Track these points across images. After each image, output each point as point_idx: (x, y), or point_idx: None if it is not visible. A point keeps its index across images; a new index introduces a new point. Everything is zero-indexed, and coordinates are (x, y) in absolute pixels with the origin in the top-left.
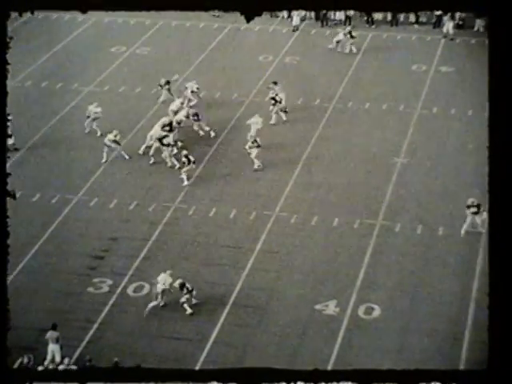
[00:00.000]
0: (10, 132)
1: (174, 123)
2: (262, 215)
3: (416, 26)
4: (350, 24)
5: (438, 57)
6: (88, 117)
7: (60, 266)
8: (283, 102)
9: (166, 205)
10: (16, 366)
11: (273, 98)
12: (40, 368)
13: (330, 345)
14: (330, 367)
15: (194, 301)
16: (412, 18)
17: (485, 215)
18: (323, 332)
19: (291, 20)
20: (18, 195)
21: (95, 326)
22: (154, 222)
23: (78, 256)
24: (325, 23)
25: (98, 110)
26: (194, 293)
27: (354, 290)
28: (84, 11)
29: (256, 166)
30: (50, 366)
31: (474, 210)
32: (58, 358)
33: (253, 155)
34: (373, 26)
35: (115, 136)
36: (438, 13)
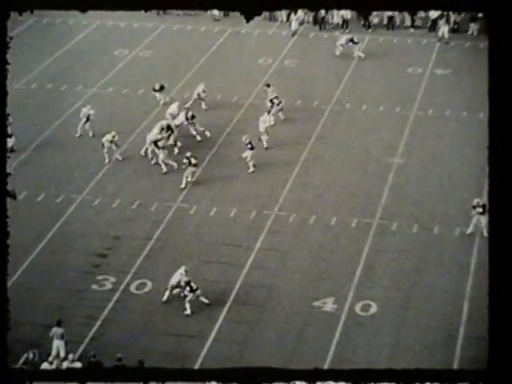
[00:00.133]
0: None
1: (173, 125)
2: (261, 214)
3: (412, 29)
4: (347, 27)
5: (433, 60)
6: (82, 119)
7: (64, 263)
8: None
9: (168, 204)
10: (21, 361)
11: (271, 101)
12: (45, 363)
13: (328, 341)
14: (328, 363)
15: (204, 300)
16: (408, 21)
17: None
18: (321, 328)
19: (290, 24)
20: (23, 195)
21: (98, 322)
22: (156, 221)
23: (81, 254)
24: (323, 27)
25: (92, 111)
26: (199, 292)
27: (352, 288)
28: (84, 11)
29: (252, 169)
30: (55, 362)
31: (479, 210)
32: (62, 354)
33: (248, 158)
34: (369, 30)
35: (113, 137)
36: (434, 17)
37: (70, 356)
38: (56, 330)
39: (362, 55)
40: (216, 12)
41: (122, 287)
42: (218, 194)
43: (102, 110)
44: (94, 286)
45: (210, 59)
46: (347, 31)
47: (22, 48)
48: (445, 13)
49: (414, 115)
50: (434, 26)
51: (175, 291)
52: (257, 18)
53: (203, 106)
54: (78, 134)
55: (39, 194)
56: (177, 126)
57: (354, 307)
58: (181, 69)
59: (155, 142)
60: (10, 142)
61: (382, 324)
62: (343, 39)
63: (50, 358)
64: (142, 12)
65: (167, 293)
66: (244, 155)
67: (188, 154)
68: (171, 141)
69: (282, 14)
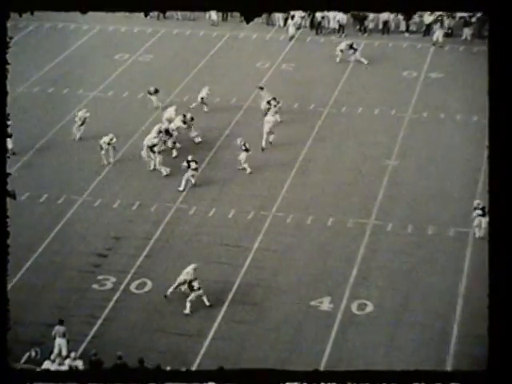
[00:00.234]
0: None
1: (171, 129)
2: (259, 215)
3: (406, 34)
4: (343, 32)
5: (428, 63)
6: (76, 122)
7: (66, 263)
8: (263, 104)
9: (168, 205)
10: (24, 359)
11: (268, 102)
12: (47, 361)
13: (325, 339)
14: (324, 361)
15: (205, 300)
16: (402, 26)
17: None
18: (318, 327)
19: (287, 29)
20: (25, 196)
21: (99, 321)
22: (156, 222)
23: (82, 254)
24: (319, 31)
25: (87, 115)
26: (201, 291)
27: (348, 287)
28: (84, 12)
29: (248, 170)
30: (57, 360)
31: (479, 212)
32: (64, 352)
33: (242, 160)
34: (365, 35)
35: (111, 140)
36: (428, 22)
37: (72, 354)
38: (58, 329)
39: (365, 61)
40: (214, 17)
41: (122, 287)
42: (216, 195)
43: (102, 113)
44: (95, 286)
45: (208, 63)
46: (343, 36)
47: (24, 52)
48: (439, 18)
49: (408, 118)
50: (428, 30)
51: (182, 288)
52: (255, 23)
53: (205, 108)
54: (76, 137)
55: (41, 196)
56: (173, 130)
57: (350, 306)
58: (180, 72)
59: (151, 147)
60: (9, 144)
61: (377, 323)
62: (343, 45)
63: (52, 356)
64: (142, 17)
65: (171, 288)
66: (240, 157)
67: (189, 158)
68: (169, 144)
69: (279, 19)
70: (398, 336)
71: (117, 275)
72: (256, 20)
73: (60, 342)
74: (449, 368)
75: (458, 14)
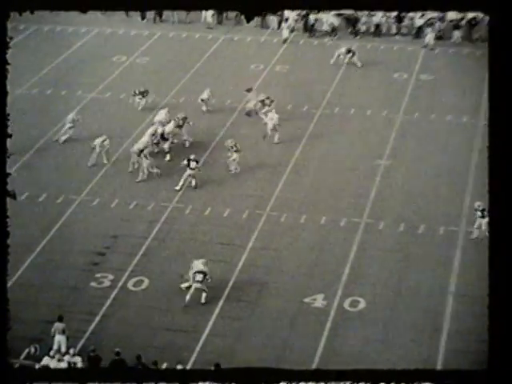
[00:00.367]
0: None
1: (166, 133)
2: (253, 214)
3: (398, 37)
4: (335, 35)
5: (419, 65)
6: (66, 124)
7: (64, 262)
8: (250, 106)
9: (164, 205)
10: (23, 356)
11: (262, 101)
12: (46, 357)
13: (318, 336)
14: (317, 357)
15: (202, 297)
16: (394, 29)
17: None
18: (311, 324)
19: (281, 31)
20: (24, 196)
21: (97, 318)
22: (153, 221)
23: (81, 253)
24: (312, 34)
25: (78, 117)
26: (201, 285)
27: (341, 284)
28: (84, 11)
29: (233, 170)
30: (56, 356)
31: (479, 214)
32: (63, 349)
33: (231, 159)
34: (357, 37)
35: (103, 141)
36: (418, 24)
37: (71, 351)
38: (58, 325)
39: (359, 64)
40: (210, 20)
41: (119, 284)
42: (212, 195)
43: (100, 114)
44: (93, 284)
45: (204, 65)
46: (335, 38)
47: (23, 54)
48: (430, 21)
49: (400, 119)
50: (418, 33)
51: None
52: (249, 26)
53: (203, 108)
54: (61, 139)
55: (40, 195)
56: (168, 134)
57: (342, 303)
58: (176, 74)
59: (141, 150)
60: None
61: (369, 319)
62: (342, 49)
63: (52, 353)
64: (139, 20)
65: (186, 283)
66: (231, 158)
67: (191, 157)
68: (166, 147)
69: (273, 22)
70: (389, 332)
71: (114, 273)
72: (250, 23)
73: (59, 339)
74: (439, 363)
75: (448, 17)
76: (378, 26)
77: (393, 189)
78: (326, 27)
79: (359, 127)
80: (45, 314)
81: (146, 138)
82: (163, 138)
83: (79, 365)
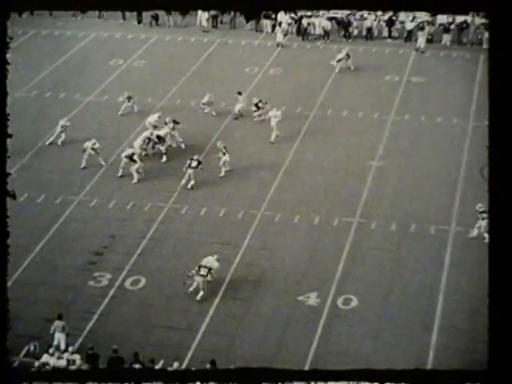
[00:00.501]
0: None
1: (163, 135)
2: (248, 214)
3: (389, 40)
4: (328, 38)
5: (409, 68)
6: (58, 128)
7: (63, 261)
8: (236, 110)
9: (161, 205)
10: (23, 353)
11: (256, 105)
12: (46, 355)
13: (312, 333)
14: (311, 354)
15: (200, 293)
16: (385, 32)
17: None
18: (305, 321)
19: (275, 35)
20: (24, 197)
21: (95, 316)
22: (150, 221)
23: (79, 252)
24: (305, 38)
25: (68, 123)
26: (201, 279)
27: (334, 283)
28: (84, 11)
29: (223, 173)
30: (56, 354)
31: (479, 215)
32: (62, 346)
33: (221, 161)
34: (349, 41)
35: (93, 144)
36: (409, 28)
37: (70, 348)
38: (57, 323)
39: (352, 67)
40: (205, 24)
41: (117, 283)
42: (207, 196)
43: (97, 116)
44: (91, 283)
45: (199, 68)
46: (328, 41)
47: (22, 58)
48: (421, 24)
49: (391, 120)
50: (409, 36)
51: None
52: (244, 30)
53: (206, 110)
54: (48, 143)
55: (39, 196)
56: (165, 135)
57: (335, 301)
58: (172, 77)
59: (130, 156)
60: None
61: (362, 317)
62: (341, 55)
63: (51, 350)
64: (136, 24)
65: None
66: (223, 160)
67: (195, 157)
68: (162, 149)
69: (267, 26)
70: (381, 329)
71: (112, 272)
72: (245, 27)
73: (59, 337)
74: (430, 360)
75: (438, 21)
76: (369, 29)
77: (385, 189)
78: (318, 31)
79: (351, 129)
80: (44, 312)
81: (138, 142)
82: (159, 139)
83: (78, 362)
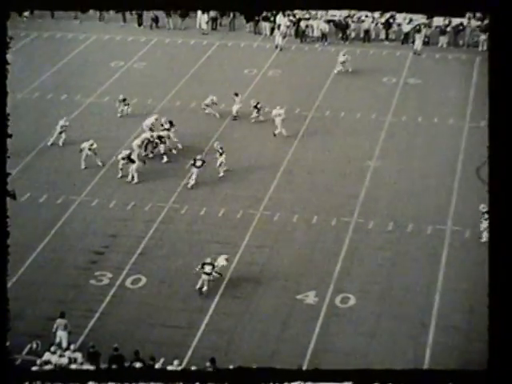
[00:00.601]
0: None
1: (165, 136)
2: (247, 214)
3: (386, 42)
4: (326, 40)
5: (406, 70)
6: (57, 129)
7: (64, 260)
8: (234, 111)
9: (161, 205)
10: (25, 351)
11: (255, 107)
12: (47, 353)
13: (310, 331)
14: (309, 352)
15: (203, 288)
16: (382, 35)
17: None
18: (304, 320)
19: (273, 37)
20: (26, 197)
21: (97, 315)
22: (150, 221)
23: (80, 251)
24: (304, 40)
25: (67, 123)
26: (207, 277)
27: (332, 281)
28: (84, 11)
29: (222, 173)
30: (58, 352)
31: (483, 216)
32: (64, 344)
33: (218, 162)
34: (347, 43)
35: (91, 145)
36: (406, 31)
37: (71, 346)
38: (60, 321)
39: (350, 69)
40: (204, 26)
41: (118, 282)
42: (207, 196)
43: (98, 117)
44: (92, 282)
45: (199, 70)
46: (326, 44)
47: (24, 60)
48: (417, 27)
49: (388, 121)
50: (406, 39)
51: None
52: (243, 32)
53: (207, 111)
54: (49, 143)
55: (41, 196)
56: (164, 137)
57: (334, 300)
58: (172, 79)
59: (128, 157)
60: None
61: (359, 315)
62: (344, 57)
63: (53, 348)
64: (136, 26)
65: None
66: (219, 161)
67: (198, 157)
68: (161, 149)
69: (265, 28)
70: (379, 327)
71: (113, 271)
72: (244, 29)
73: (61, 335)
74: (427, 357)
75: (435, 24)
76: (367, 31)
77: (382, 189)
78: (316, 33)
79: (349, 129)
80: (46, 310)
81: (137, 142)
82: (160, 139)
83: (79, 360)
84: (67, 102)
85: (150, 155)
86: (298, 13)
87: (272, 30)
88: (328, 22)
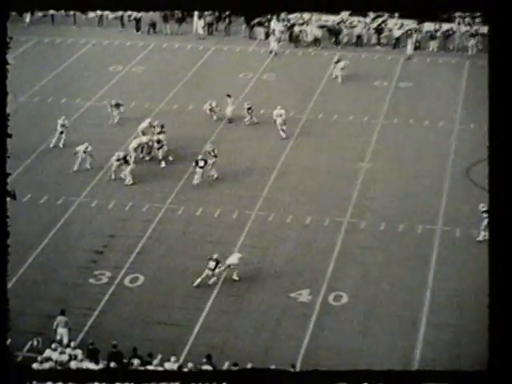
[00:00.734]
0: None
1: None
2: (243, 214)
3: (378, 47)
4: (319, 45)
5: (398, 74)
6: (58, 130)
7: (64, 260)
8: (229, 113)
9: (158, 206)
10: (26, 348)
11: (248, 110)
12: (48, 350)
13: (304, 328)
14: (303, 349)
15: (210, 282)
16: (374, 40)
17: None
18: (297, 317)
19: (268, 42)
20: (27, 198)
21: (96, 313)
22: (148, 221)
23: (80, 251)
24: (297, 44)
25: (66, 122)
26: (211, 272)
27: (325, 280)
28: (84, 11)
29: (215, 175)
30: (58, 349)
31: (483, 215)
32: (65, 341)
33: (210, 164)
34: (339, 47)
35: (86, 148)
36: (397, 35)
37: (72, 343)
38: (60, 319)
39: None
40: (201, 31)
41: (116, 281)
42: (203, 196)
43: (96, 120)
44: (92, 280)
45: (195, 74)
46: (319, 48)
47: (25, 65)
48: (409, 32)
49: (380, 124)
50: (397, 43)
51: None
52: (238, 37)
53: (214, 117)
54: (52, 144)
55: (41, 197)
56: (161, 141)
57: (327, 298)
58: (169, 83)
59: (124, 158)
60: None
61: (352, 313)
62: (342, 64)
63: (53, 345)
64: (134, 31)
65: (224, 273)
66: (210, 163)
67: (199, 157)
68: (159, 155)
69: (260, 33)
70: (371, 325)
71: (112, 270)
72: (239, 34)
73: (61, 332)
74: (417, 353)
75: (425, 29)
76: (359, 36)
77: (374, 190)
78: (310, 38)
79: (342, 132)
80: (46, 308)
81: (133, 145)
82: (159, 143)
83: (79, 357)
84: (67, 105)
85: (147, 158)
86: (292, 18)
87: (266, 34)
88: (321, 27)
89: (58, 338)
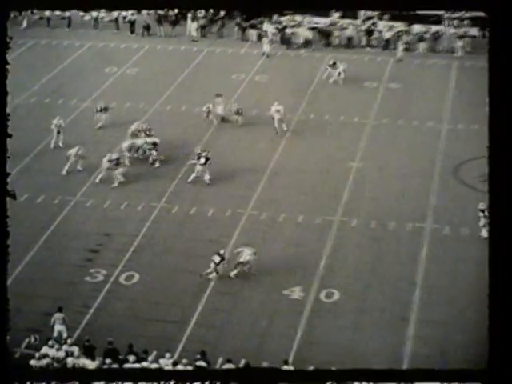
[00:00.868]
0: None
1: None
2: (236, 213)
3: (368, 48)
4: (310, 47)
5: (387, 75)
6: (54, 130)
7: (61, 258)
8: (221, 112)
9: (153, 205)
10: (24, 345)
11: (236, 112)
12: (45, 347)
13: (296, 325)
14: (295, 345)
15: (210, 276)
16: (364, 41)
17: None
18: (290, 314)
19: (261, 44)
20: (24, 197)
21: (91, 310)
22: (143, 220)
23: (76, 250)
24: (289, 46)
25: (61, 122)
26: (212, 268)
27: (317, 277)
28: (84, 11)
29: (207, 180)
30: (55, 346)
31: (482, 214)
32: (64, 336)
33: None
34: (330, 49)
35: (78, 151)
36: (387, 37)
37: (68, 340)
38: (57, 316)
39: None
40: (194, 33)
41: (112, 279)
42: (197, 196)
43: (92, 121)
44: (88, 278)
45: (189, 75)
46: (311, 50)
47: (22, 66)
48: (398, 34)
49: (370, 124)
50: (387, 45)
51: (243, 267)
52: (230, 39)
53: (215, 121)
54: (52, 146)
55: (38, 197)
56: (154, 144)
57: (318, 295)
58: (163, 84)
59: (116, 160)
60: None
61: (343, 309)
62: (341, 67)
63: (50, 342)
64: (129, 34)
65: (235, 271)
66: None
67: (203, 154)
68: (154, 155)
69: (252, 35)
70: (361, 321)
71: (107, 269)
72: (232, 36)
73: (59, 328)
74: (407, 349)
75: (414, 31)
76: (349, 38)
77: (364, 189)
78: (301, 40)
79: (333, 132)
80: (43, 306)
81: (125, 145)
82: (155, 145)
83: (76, 354)
84: (64, 106)
85: (141, 157)
86: (284, 20)
87: (259, 36)
88: (312, 29)
89: (56, 334)
